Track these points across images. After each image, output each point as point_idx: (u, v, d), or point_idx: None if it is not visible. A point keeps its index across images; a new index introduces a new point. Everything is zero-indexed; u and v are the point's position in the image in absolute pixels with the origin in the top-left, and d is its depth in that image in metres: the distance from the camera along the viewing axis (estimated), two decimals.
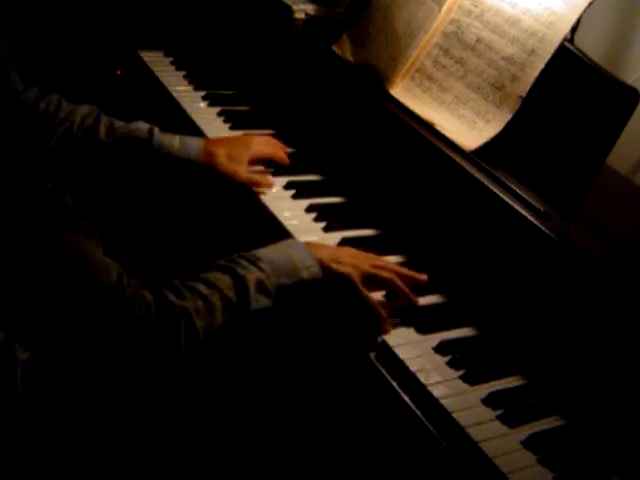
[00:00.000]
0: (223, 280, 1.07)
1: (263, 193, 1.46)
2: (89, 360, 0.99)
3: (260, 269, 1.10)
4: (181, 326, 1.00)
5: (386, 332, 1.17)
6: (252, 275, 1.09)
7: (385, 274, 1.21)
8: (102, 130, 1.40)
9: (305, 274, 1.14)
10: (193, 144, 1.45)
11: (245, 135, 1.57)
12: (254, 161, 1.50)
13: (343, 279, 1.17)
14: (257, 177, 1.48)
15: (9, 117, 0.90)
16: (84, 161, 1.39)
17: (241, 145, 1.49)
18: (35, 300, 0.95)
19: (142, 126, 1.45)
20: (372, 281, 1.20)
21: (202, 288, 1.05)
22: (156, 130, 1.44)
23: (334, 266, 1.17)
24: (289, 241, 1.22)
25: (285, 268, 1.13)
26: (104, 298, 0.95)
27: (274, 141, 1.58)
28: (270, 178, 1.50)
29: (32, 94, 1.37)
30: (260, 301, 1.08)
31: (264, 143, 1.54)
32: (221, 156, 1.44)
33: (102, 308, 0.95)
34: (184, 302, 1.02)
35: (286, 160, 1.55)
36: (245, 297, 1.07)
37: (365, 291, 1.18)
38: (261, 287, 1.09)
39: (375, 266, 1.21)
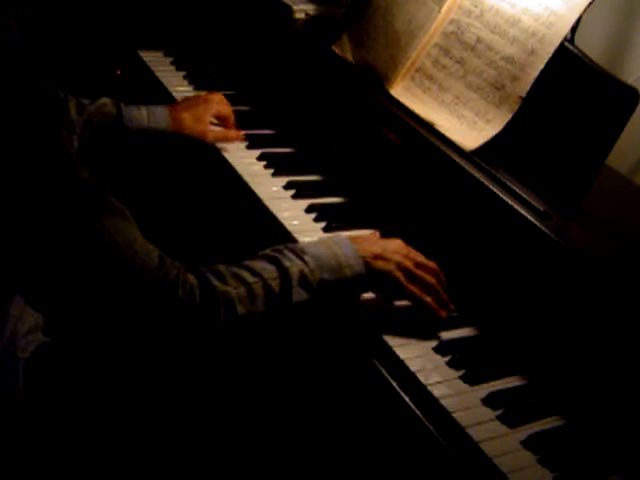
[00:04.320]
0: (268, 270, 1.09)
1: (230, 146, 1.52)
2: (130, 337, 1.03)
3: (305, 262, 1.12)
4: (221, 310, 1.03)
5: (442, 317, 1.20)
6: (296, 268, 1.11)
7: (429, 278, 1.20)
8: (72, 110, 1.40)
9: (348, 272, 1.15)
10: (161, 113, 1.47)
11: (200, 95, 1.61)
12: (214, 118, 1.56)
13: (388, 277, 1.18)
14: (222, 133, 1.52)
15: (42, 109, 0.92)
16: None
17: (202, 105, 1.53)
18: (78, 285, 0.97)
19: (107, 101, 1.45)
20: (413, 279, 1.20)
21: (247, 275, 1.08)
22: (122, 104, 1.44)
23: (379, 264, 1.17)
24: (336, 237, 1.22)
25: (330, 265, 1.14)
26: (147, 279, 0.99)
27: (226, 100, 1.62)
28: (235, 131, 1.55)
29: None
30: (301, 294, 1.10)
31: (222, 102, 1.59)
32: (187, 120, 1.48)
33: (146, 289, 0.99)
34: (227, 287, 1.05)
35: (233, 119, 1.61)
36: (287, 289, 1.09)
37: (410, 286, 1.18)
38: (303, 281, 1.11)
39: (418, 265, 1.21)
